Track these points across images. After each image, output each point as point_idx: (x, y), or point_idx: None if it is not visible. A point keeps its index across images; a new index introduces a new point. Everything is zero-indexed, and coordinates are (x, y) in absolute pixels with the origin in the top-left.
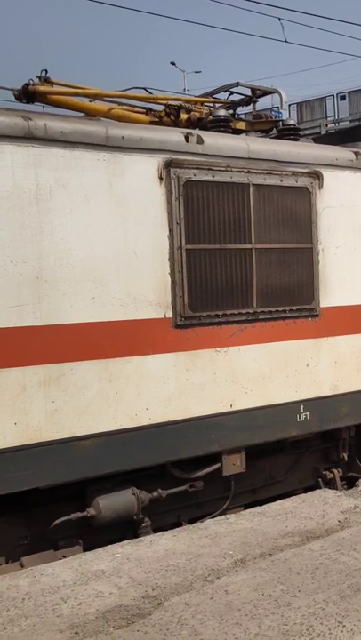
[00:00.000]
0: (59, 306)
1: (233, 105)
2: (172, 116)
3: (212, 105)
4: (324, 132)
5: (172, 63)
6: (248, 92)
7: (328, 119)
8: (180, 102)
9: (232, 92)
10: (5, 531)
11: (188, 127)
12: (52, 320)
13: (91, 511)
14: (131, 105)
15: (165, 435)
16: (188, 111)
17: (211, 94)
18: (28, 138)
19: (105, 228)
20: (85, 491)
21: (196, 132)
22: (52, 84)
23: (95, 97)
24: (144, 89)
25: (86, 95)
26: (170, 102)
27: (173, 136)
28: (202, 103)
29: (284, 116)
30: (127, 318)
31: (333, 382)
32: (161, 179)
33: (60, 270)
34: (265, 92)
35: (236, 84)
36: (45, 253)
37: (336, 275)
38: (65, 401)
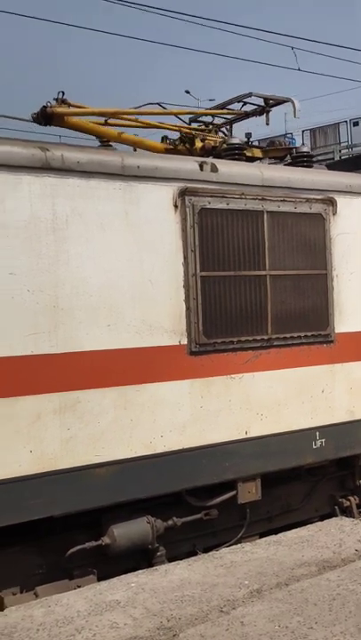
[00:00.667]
0: (74, 334)
1: (246, 115)
2: (186, 144)
3: (225, 116)
4: (337, 157)
5: (187, 92)
6: (261, 102)
7: (341, 145)
8: (195, 131)
9: (245, 103)
10: (20, 560)
11: (202, 155)
12: (68, 348)
13: (105, 540)
14: (145, 122)
15: (180, 462)
16: (203, 139)
17: (224, 105)
18: (46, 168)
19: (120, 256)
20: (100, 519)
21: (211, 160)
22: (69, 105)
23: (112, 116)
24: (158, 104)
25: (103, 114)
26: (184, 130)
27: (188, 165)
28: (217, 131)
29: (298, 141)
30: (142, 345)
31: (349, 408)
32: (176, 207)
33: (75, 298)
34: (278, 102)
35: (250, 95)
36: (61, 282)
37: (351, 300)
38: (80, 428)
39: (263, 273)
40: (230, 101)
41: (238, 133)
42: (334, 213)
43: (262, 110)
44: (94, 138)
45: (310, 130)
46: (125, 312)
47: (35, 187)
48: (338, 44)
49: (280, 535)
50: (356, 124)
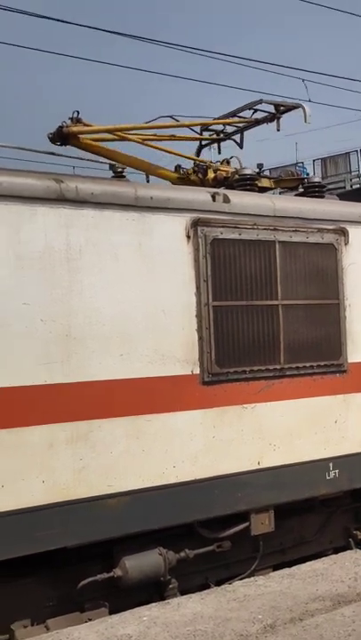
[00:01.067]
0: (87, 363)
1: (257, 122)
2: (199, 174)
3: (236, 125)
4: (348, 186)
5: None
6: (272, 109)
7: (352, 174)
8: (209, 162)
9: (256, 110)
10: (32, 591)
11: (214, 186)
12: (81, 377)
13: (117, 572)
14: (160, 136)
15: (192, 493)
16: (215, 170)
17: (235, 113)
18: (60, 200)
19: (133, 286)
20: (112, 550)
21: (223, 191)
22: (84, 124)
23: (126, 131)
24: (170, 117)
25: (117, 130)
26: (199, 162)
27: (200, 196)
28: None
29: (309, 170)
30: (155, 375)
31: None
32: (188, 237)
33: (88, 328)
34: (288, 108)
35: (260, 102)
36: (75, 311)
37: None
38: (92, 458)
39: (276, 303)
40: (241, 109)
41: (249, 141)
42: (346, 243)
43: (273, 117)
44: (109, 162)
45: (321, 159)
46: (138, 342)
47: (49, 218)
48: (348, 77)
49: (294, 568)
50: None
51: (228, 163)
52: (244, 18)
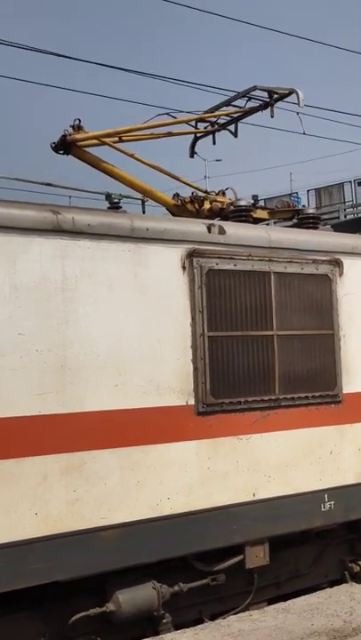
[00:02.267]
0: (82, 393)
1: (251, 111)
2: (196, 204)
3: (231, 114)
4: (342, 216)
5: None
6: (266, 97)
7: (346, 204)
8: (205, 194)
9: (250, 98)
10: (23, 626)
11: (210, 216)
12: (76, 408)
13: (110, 606)
14: (158, 134)
15: (187, 525)
16: (212, 201)
17: (229, 102)
18: (57, 231)
19: (129, 317)
20: (104, 584)
21: (218, 222)
22: (86, 133)
23: (126, 133)
24: (167, 114)
25: (117, 133)
26: (197, 193)
27: (196, 227)
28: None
29: (303, 200)
30: (149, 405)
31: (358, 470)
32: (184, 268)
33: (83, 358)
34: (282, 95)
35: (254, 88)
36: (70, 342)
37: (358, 360)
38: (86, 490)
39: (270, 333)
40: (235, 97)
41: (244, 130)
42: (341, 274)
43: (266, 105)
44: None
45: (315, 189)
46: (133, 372)
47: (45, 248)
48: (342, 111)
49: (289, 602)
50: (360, 183)
51: (223, 194)
52: (230, 46)
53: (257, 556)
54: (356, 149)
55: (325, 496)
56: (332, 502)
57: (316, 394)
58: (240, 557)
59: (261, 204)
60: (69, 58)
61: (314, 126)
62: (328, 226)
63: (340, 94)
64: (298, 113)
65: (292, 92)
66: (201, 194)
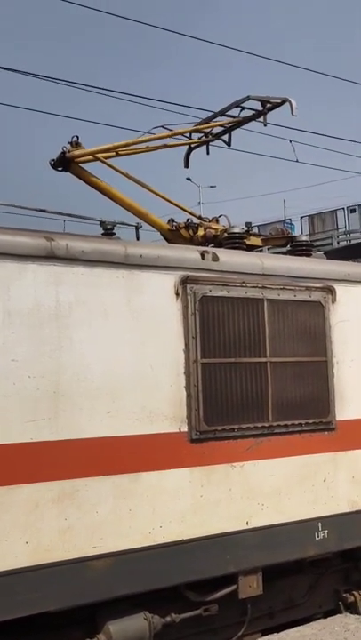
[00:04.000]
0: (75, 420)
1: (245, 120)
2: (191, 230)
3: (225, 124)
4: (335, 243)
5: (188, 179)
6: (259, 106)
7: (339, 231)
8: (200, 221)
9: (243, 108)
10: None
11: (203, 243)
12: (68, 435)
13: (101, 637)
14: (154, 147)
15: (180, 554)
16: (206, 228)
17: (223, 112)
18: (51, 257)
19: (122, 343)
20: (95, 614)
21: (212, 249)
22: (84, 149)
23: (122, 148)
24: (162, 127)
25: (115, 148)
26: (191, 220)
27: (190, 254)
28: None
29: (297, 227)
30: (142, 432)
31: (352, 498)
32: (177, 294)
33: (77, 385)
34: (275, 105)
35: (247, 99)
36: (63, 368)
37: (351, 387)
38: (78, 518)
39: (264, 360)
40: (229, 107)
41: (237, 139)
42: (334, 301)
43: (260, 114)
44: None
45: (309, 216)
46: (126, 399)
47: (39, 274)
48: (334, 136)
49: (283, 634)
50: (353, 210)
51: (217, 220)
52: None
53: (250, 586)
54: (349, 177)
55: (319, 524)
56: (326, 531)
57: (310, 421)
58: (233, 587)
59: (255, 230)
60: (66, 83)
61: (306, 154)
62: (321, 253)
63: (333, 121)
64: (291, 141)
65: (285, 100)
66: (195, 220)
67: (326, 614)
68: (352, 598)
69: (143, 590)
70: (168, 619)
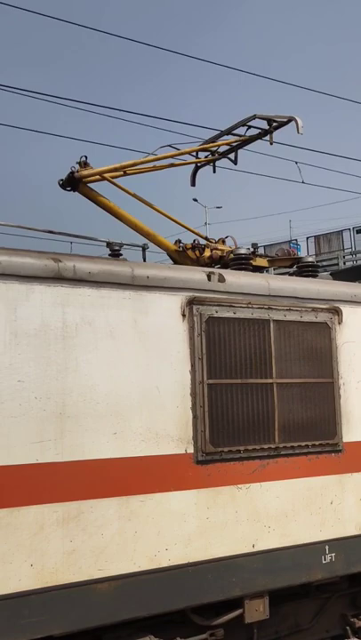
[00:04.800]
0: (80, 441)
1: (251, 139)
2: (197, 251)
3: (231, 143)
4: (341, 263)
5: (195, 200)
6: (265, 125)
7: (345, 251)
8: (206, 242)
9: (250, 127)
10: None
11: (210, 264)
12: (74, 456)
13: None
14: (161, 166)
15: (185, 577)
16: (212, 249)
17: (230, 130)
18: (58, 278)
19: (128, 364)
20: (100, 638)
21: (218, 270)
22: (92, 169)
23: (130, 167)
24: (170, 146)
25: (122, 168)
26: (197, 241)
27: (196, 275)
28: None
29: (303, 248)
30: (148, 454)
31: (359, 521)
32: (184, 315)
33: (83, 406)
34: (281, 123)
35: (254, 117)
36: (69, 389)
37: (358, 409)
38: (83, 541)
39: (270, 381)
40: (235, 126)
41: (243, 159)
42: (340, 322)
43: (266, 132)
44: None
45: (315, 236)
46: (132, 420)
47: (46, 295)
48: (339, 154)
49: None
50: (359, 231)
51: (223, 241)
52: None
53: (257, 610)
54: (355, 197)
55: (326, 547)
56: (334, 554)
57: (317, 443)
58: (239, 611)
59: (261, 251)
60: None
61: (313, 174)
62: (327, 273)
63: (339, 141)
64: (297, 162)
65: (291, 119)
66: (202, 241)
67: (334, 639)
68: (360, 623)
69: (148, 614)
70: None
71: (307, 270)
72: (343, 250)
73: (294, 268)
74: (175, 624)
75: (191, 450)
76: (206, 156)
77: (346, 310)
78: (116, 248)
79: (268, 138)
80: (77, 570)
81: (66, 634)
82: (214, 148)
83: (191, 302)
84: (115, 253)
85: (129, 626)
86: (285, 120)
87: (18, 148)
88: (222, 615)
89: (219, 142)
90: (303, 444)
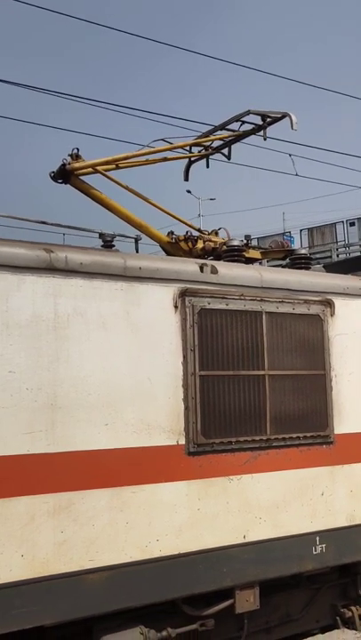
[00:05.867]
0: (72, 432)
1: (245, 134)
2: (190, 243)
3: (225, 138)
4: (335, 256)
5: (188, 191)
6: (259, 120)
7: (338, 244)
8: (199, 233)
9: (244, 122)
10: None
11: (202, 255)
12: (65, 447)
13: None
14: (153, 160)
15: (176, 568)
16: (205, 241)
17: (223, 126)
18: (49, 269)
19: (120, 355)
20: (91, 628)
21: (211, 262)
22: (84, 161)
23: (122, 160)
24: (163, 140)
25: (115, 161)
26: (190, 233)
27: (189, 266)
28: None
29: (297, 240)
30: (140, 445)
31: (350, 512)
32: (176, 307)
33: (74, 397)
34: (275, 119)
35: (248, 113)
36: (61, 380)
37: (350, 401)
38: (74, 531)
39: (262, 373)
40: (229, 121)
41: (237, 153)
42: (332, 315)
43: (260, 127)
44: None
45: (308, 229)
46: (124, 411)
47: (38, 286)
48: (332, 149)
49: None
50: (352, 224)
51: (216, 233)
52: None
53: (247, 601)
54: (348, 190)
55: (317, 538)
56: (324, 545)
57: (308, 434)
58: (230, 602)
59: (254, 243)
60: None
61: (306, 167)
62: (320, 266)
63: (332, 134)
64: (290, 155)
65: (285, 115)
66: (195, 233)
67: (324, 629)
68: (350, 613)
69: (139, 604)
70: (164, 633)
71: (300, 262)
72: (336, 242)
73: (287, 261)
74: (166, 614)
75: (183, 441)
76: (200, 151)
77: (338, 302)
78: (109, 239)
79: (261, 133)
80: (68, 560)
81: (57, 624)
82: (208, 143)
83: (183, 294)
84: (107, 245)
85: (120, 616)
86: (279, 116)
87: (10, 140)
88: (213, 605)
89: (212, 137)
90: (295, 435)
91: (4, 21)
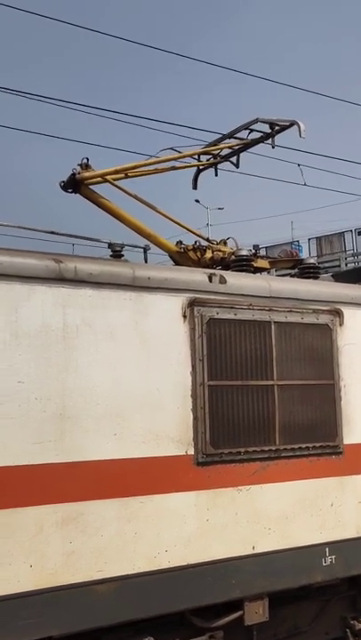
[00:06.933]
0: (80, 442)
1: (253, 142)
2: (198, 252)
3: (233, 146)
4: (343, 265)
5: (197, 201)
6: (267, 128)
7: (347, 253)
8: (208, 243)
9: (252, 130)
10: None
11: (211, 265)
12: (74, 457)
13: None
14: (162, 169)
15: (185, 579)
16: (214, 250)
17: (232, 134)
18: (59, 279)
19: (129, 365)
20: (99, 639)
21: (219, 272)
22: (94, 171)
23: (131, 169)
24: (171, 149)
25: (124, 170)
26: (199, 243)
27: (197, 276)
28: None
29: (305, 249)
30: (148, 455)
31: (360, 523)
32: (185, 317)
33: (83, 407)
34: (283, 127)
35: (256, 121)
36: (69, 390)
37: (359, 411)
38: (83, 542)
39: (271, 383)
40: (238, 129)
41: (246, 162)
42: (341, 324)
43: (268, 136)
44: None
45: (316, 238)
46: (132, 421)
47: (47, 296)
48: (341, 158)
49: None
50: (360, 233)
51: (225, 243)
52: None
53: (256, 612)
54: (357, 199)
55: (326, 550)
56: (334, 556)
57: (317, 444)
58: (239, 613)
59: (263, 252)
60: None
61: (315, 176)
62: (329, 275)
63: (342, 144)
64: (299, 165)
65: (293, 123)
66: (204, 242)
67: None
68: (360, 626)
69: (147, 616)
70: None
71: (308, 272)
72: (345, 251)
73: (296, 270)
74: (175, 626)
75: (191, 451)
76: (208, 160)
77: (347, 312)
78: (118, 249)
79: (270, 141)
80: (76, 571)
81: (65, 635)
82: (216, 152)
83: (192, 303)
84: (116, 254)
85: (128, 627)
86: (288, 124)
87: (17, 150)
88: (222, 617)
89: (221, 145)
90: (304, 445)
91: (4, 24)
